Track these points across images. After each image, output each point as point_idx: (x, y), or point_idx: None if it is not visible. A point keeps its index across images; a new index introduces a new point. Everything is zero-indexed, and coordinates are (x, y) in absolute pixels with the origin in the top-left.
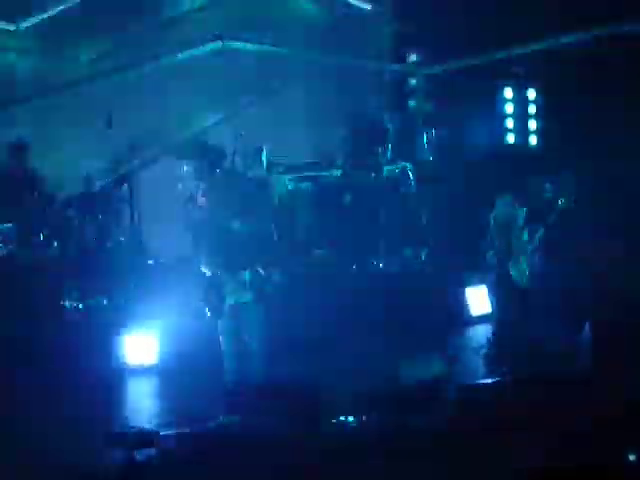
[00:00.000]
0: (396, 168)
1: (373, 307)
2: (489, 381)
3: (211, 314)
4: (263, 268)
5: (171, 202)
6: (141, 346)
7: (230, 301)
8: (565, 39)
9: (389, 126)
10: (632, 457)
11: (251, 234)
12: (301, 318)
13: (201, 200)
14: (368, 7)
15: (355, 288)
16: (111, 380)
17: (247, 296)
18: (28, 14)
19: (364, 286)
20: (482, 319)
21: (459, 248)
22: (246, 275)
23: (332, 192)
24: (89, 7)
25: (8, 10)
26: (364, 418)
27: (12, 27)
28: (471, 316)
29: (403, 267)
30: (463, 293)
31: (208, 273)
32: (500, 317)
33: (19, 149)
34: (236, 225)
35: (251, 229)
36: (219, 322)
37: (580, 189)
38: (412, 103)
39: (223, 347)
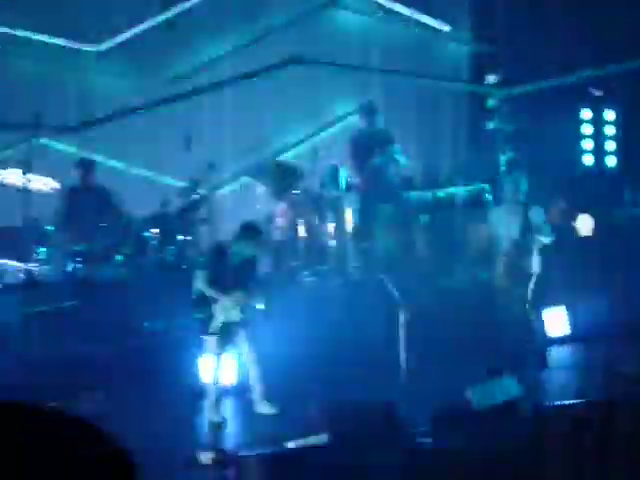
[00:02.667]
0: (474, 189)
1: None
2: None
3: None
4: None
5: None
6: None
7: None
8: None
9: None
10: None
11: None
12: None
13: (279, 220)
14: (447, 28)
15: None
16: (190, 400)
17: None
18: (108, 36)
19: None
20: (560, 340)
21: None
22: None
23: (411, 212)
24: (168, 28)
25: (89, 31)
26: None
27: (93, 48)
28: (549, 337)
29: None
30: (541, 314)
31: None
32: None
33: (85, 166)
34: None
35: None
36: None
37: None
38: (491, 124)
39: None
